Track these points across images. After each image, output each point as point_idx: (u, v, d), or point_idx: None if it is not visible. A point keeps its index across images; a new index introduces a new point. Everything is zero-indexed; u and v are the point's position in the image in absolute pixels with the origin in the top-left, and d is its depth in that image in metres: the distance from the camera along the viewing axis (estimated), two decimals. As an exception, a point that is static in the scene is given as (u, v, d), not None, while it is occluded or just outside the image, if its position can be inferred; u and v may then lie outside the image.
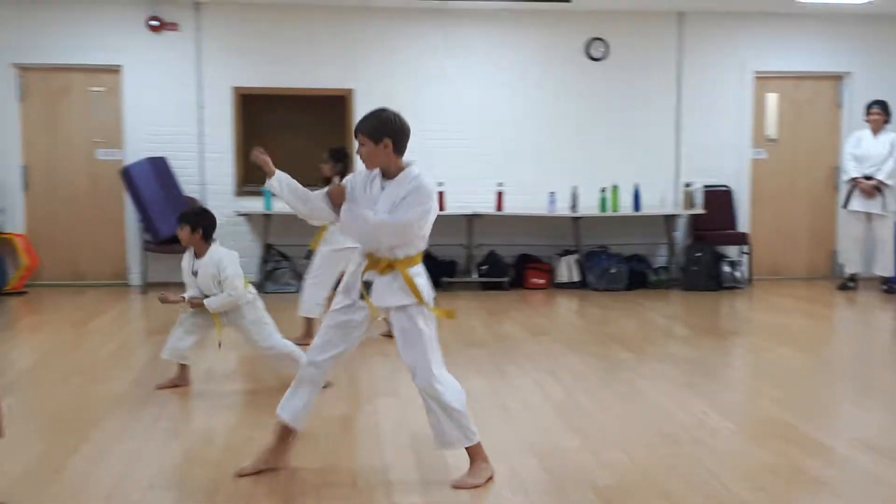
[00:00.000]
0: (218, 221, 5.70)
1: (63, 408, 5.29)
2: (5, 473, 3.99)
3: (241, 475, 4.05)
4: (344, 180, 4.13)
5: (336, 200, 4.00)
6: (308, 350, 4.17)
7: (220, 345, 5.67)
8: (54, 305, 8.89)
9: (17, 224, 9.84)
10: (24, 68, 9.87)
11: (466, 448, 4.03)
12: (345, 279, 4.14)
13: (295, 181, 4.19)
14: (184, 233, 5.52)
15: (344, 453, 4.47)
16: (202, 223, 5.52)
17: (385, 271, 3.92)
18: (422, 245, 3.99)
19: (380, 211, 3.89)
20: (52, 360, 6.61)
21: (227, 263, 5.46)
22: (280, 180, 4.16)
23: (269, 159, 4.23)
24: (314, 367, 4.06)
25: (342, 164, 6.90)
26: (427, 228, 3.94)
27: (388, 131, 3.89)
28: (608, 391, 5.68)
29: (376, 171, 3.98)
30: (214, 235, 5.58)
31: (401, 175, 3.93)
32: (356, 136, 3.95)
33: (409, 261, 3.94)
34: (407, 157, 4.01)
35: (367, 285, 3.96)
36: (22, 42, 9.75)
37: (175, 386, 5.64)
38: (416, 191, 3.87)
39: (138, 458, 4.34)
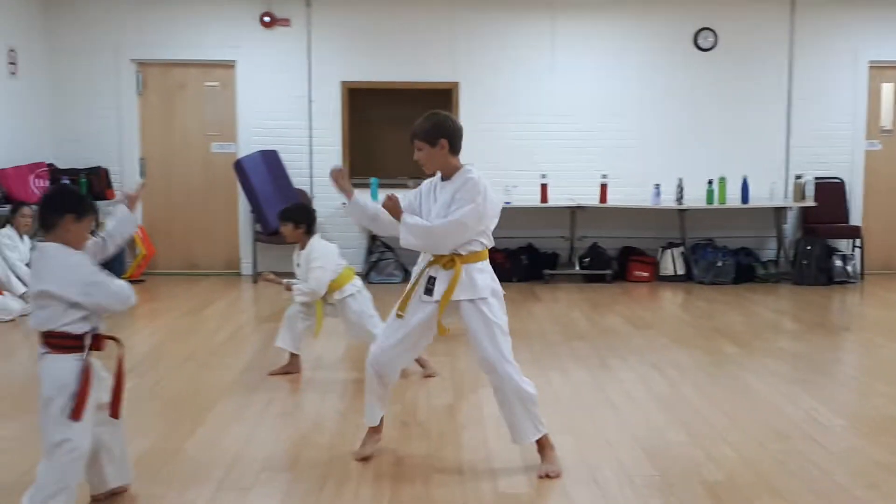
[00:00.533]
0: (325, 213, 5.85)
1: (180, 392, 5.51)
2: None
3: (358, 459, 4.16)
4: (414, 189, 4.19)
5: (392, 212, 4.05)
6: (373, 346, 4.18)
7: (316, 335, 5.79)
8: (170, 293, 9.22)
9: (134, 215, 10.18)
10: (142, 63, 10.23)
11: (536, 440, 4.06)
12: (413, 273, 4.18)
13: (370, 202, 4.25)
14: (287, 229, 5.75)
15: (449, 441, 4.54)
16: (304, 219, 5.75)
17: (448, 266, 3.97)
18: (485, 241, 4.02)
19: (436, 214, 3.95)
20: (168, 346, 6.87)
21: (316, 255, 5.65)
22: (356, 203, 4.14)
23: (347, 183, 4.12)
24: (375, 366, 4.11)
25: None
26: (487, 224, 3.98)
27: (443, 132, 3.99)
28: (715, 386, 5.61)
29: (438, 176, 4.06)
30: (316, 228, 5.80)
31: (456, 175, 4.00)
32: (412, 143, 4.03)
33: (472, 256, 3.98)
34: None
35: (432, 280, 4.00)
36: (141, 38, 10.11)
37: (286, 373, 5.81)
38: (463, 186, 3.92)
39: (251, 441, 4.49)
